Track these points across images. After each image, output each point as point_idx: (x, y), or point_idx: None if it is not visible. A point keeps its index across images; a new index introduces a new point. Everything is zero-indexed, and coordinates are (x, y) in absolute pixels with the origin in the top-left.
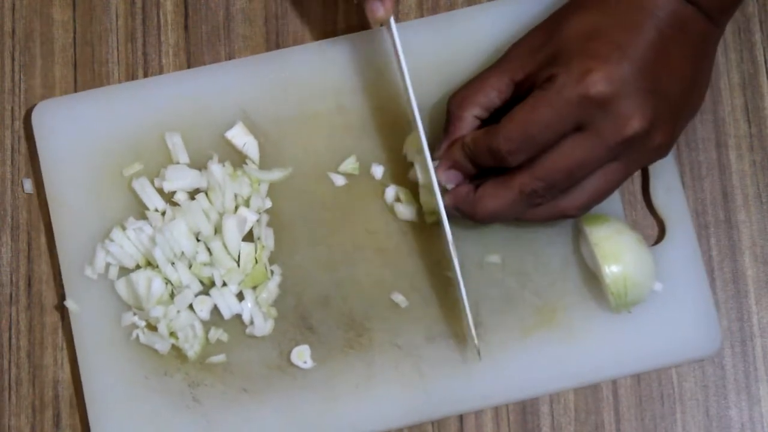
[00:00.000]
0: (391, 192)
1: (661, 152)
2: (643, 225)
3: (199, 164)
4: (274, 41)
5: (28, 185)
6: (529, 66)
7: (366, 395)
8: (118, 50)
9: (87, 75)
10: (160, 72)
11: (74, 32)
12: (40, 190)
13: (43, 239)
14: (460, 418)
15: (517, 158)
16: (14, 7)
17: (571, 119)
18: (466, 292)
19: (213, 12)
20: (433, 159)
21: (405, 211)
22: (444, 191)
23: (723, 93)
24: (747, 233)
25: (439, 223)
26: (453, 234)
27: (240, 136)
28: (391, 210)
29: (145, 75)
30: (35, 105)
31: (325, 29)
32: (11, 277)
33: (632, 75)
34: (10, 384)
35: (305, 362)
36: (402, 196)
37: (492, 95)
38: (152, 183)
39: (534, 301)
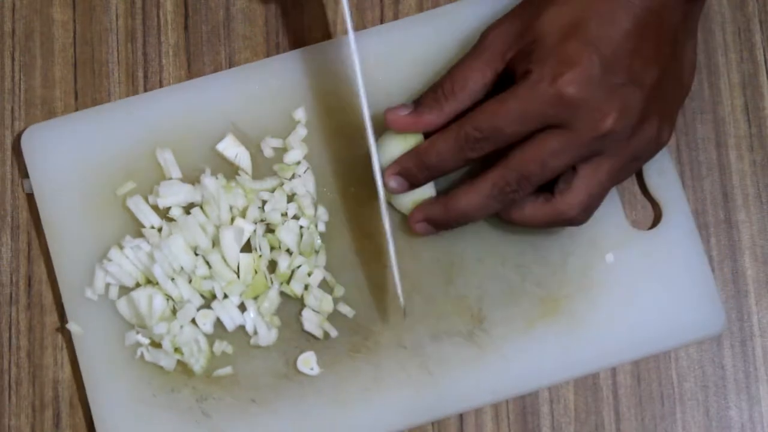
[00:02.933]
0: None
1: (661, 141)
2: (640, 211)
3: (191, 178)
4: (274, 41)
5: (28, 185)
6: (509, 54)
7: (375, 398)
8: (118, 50)
9: (87, 75)
10: (160, 72)
11: (74, 32)
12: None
13: (42, 239)
14: (460, 417)
15: (484, 147)
16: (14, 7)
17: (542, 116)
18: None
19: (213, 12)
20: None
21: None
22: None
23: (723, 93)
24: (747, 233)
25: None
26: (454, 233)
27: (231, 148)
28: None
29: (145, 75)
30: (25, 129)
31: (325, 29)
32: (11, 277)
33: (605, 73)
34: (10, 384)
35: (312, 369)
36: None
37: (476, 89)
38: (146, 200)
39: (536, 292)
